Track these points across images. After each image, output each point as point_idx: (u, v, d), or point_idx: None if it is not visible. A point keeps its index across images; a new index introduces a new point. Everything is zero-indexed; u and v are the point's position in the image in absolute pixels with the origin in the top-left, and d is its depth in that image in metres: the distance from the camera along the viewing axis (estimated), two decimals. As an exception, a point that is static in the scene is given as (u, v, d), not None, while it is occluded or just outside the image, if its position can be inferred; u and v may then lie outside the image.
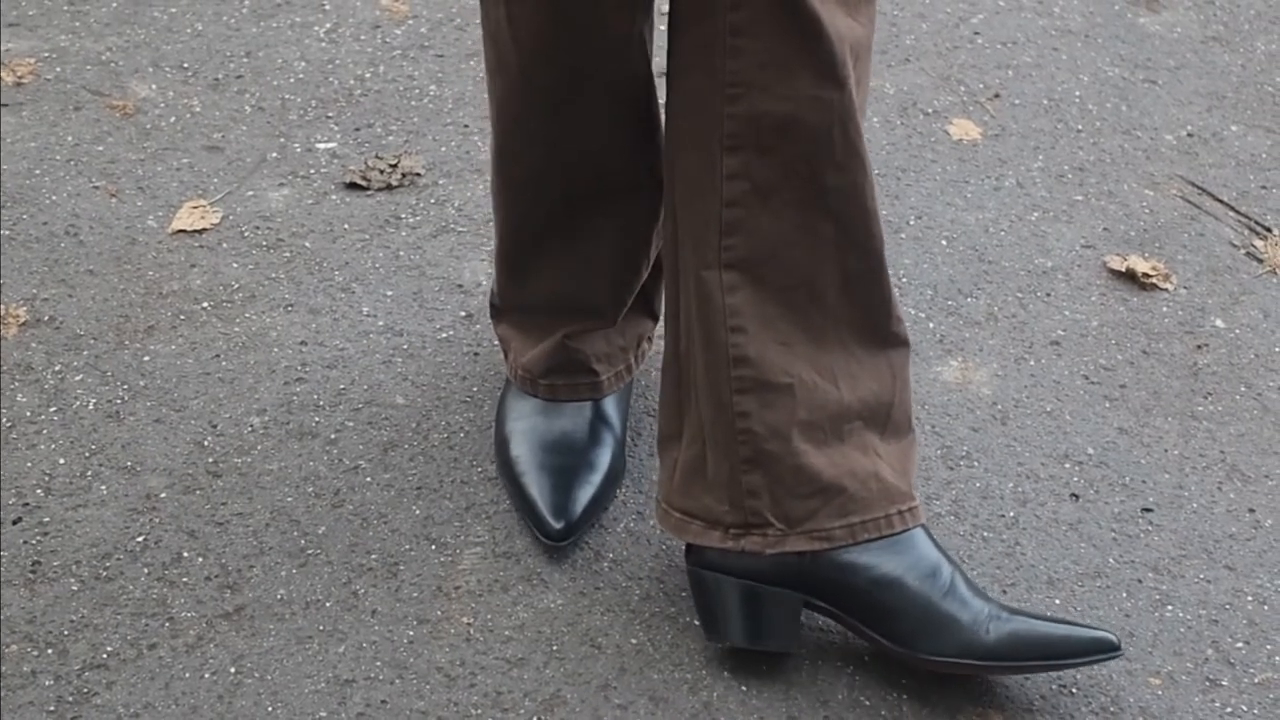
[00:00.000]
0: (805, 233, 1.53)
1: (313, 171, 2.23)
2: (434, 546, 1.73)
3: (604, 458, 1.76)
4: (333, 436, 1.85)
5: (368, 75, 2.43)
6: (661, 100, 1.64)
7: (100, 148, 2.25)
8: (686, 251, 1.57)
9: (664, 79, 1.58)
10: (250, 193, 2.19)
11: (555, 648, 1.64)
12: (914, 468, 1.64)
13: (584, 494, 1.73)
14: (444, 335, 1.98)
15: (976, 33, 2.60)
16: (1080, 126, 2.42)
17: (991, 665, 1.57)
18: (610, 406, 1.80)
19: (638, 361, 1.84)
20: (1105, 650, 1.55)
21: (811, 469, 1.57)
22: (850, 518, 1.57)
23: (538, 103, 1.66)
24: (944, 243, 2.17)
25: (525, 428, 1.77)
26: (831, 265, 1.54)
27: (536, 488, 1.73)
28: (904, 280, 2.10)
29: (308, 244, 2.11)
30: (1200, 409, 1.96)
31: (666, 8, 1.55)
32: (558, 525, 1.70)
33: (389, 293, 2.04)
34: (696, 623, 1.66)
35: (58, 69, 2.40)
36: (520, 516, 1.75)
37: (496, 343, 1.95)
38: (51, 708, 1.56)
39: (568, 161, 1.69)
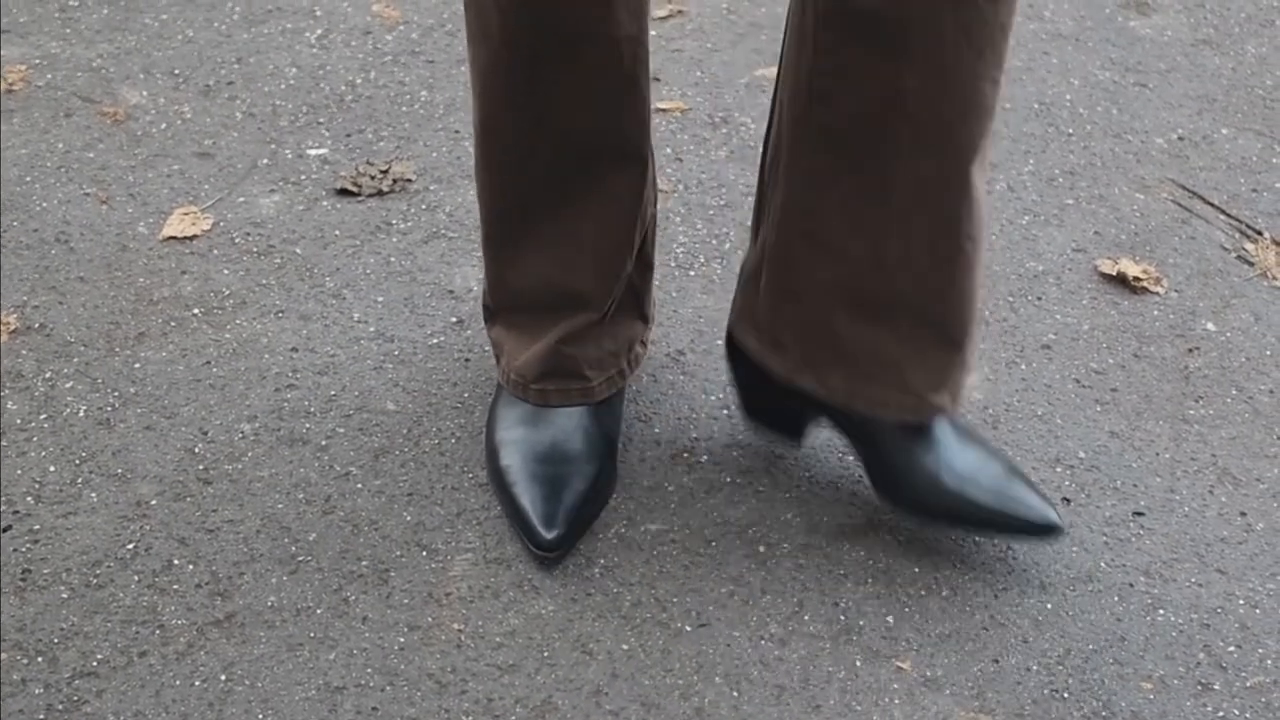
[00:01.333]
0: (878, 123, 1.58)
1: (304, 178, 2.23)
2: (425, 553, 1.73)
3: (595, 467, 1.76)
4: (323, 443, 1.85)
5: (359, 81, 2.43)
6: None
7: (91, 154, 2.25)
8: (785, 94, 1.65)
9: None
10: (241, 199, 2.19)
11: (546, 654, 1.64)
12: (954, 384, 1.72)
13: (575, 504, 1.73)
14: (435, 341, 1.98)
15: (967, 37, 2.60)
16: (1071, 130, 2.42)
17: (936, 522, 1.75)
18: (601, 414, 1.79)
19: (631, 366, 1.84)
20: (1045, 534, 1.72)
21: (834, 332, 1.69)
22: (854, 386, 1.71)
23: (521, 71, 1.63)
24: (935, 247, 2.17)
25: (516, 437, 1.77)
26: (903, 164, 1.59)
27: (527, 498, 1.73)
28: (895, 284, 2.10)
29: (299, 250, 2.11)
30: (1192, 412, 1.96)
31: None
32: (549, 536, 1.70)
33: (380, 299, 2.04)
34: (688, 628, 1.66)
35: (49, 76, 2.40)
36: (511, 526, 1.75)
37: (488, 348, 1.95)
38: (42, 716, 1.55)
39: (552, 134, 1.67)
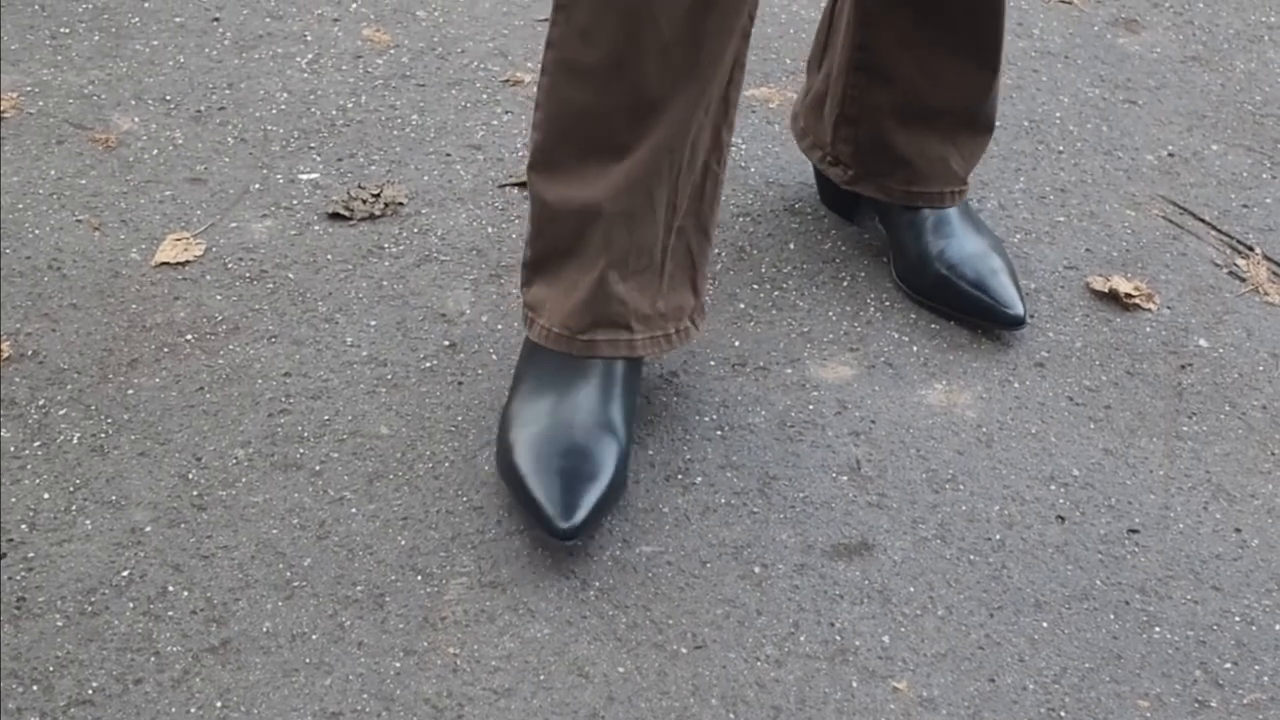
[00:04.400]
0: None
1: (295, 202, 2.23)
2: (420, 577, 1.73)
3: (609, 465, 1.75)
4: (317, 468, 1.84)
5: (350, 105, 2.43)
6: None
7: (83, 181, 2.25)
8: None
9: None
10: (233, 224, 2.19)
11: (542, 677, 1.63)
12: (980, 157, 2.11)
13: (591, 497, 1.72)
14: (428, 365, 1.98)
15: (957, 55, 2.60)
16: (1061, 147, 2.42)
17: (919, 300, 2.10)
18: (617, 416, 1.79)
19: (680, 338, 1.84)
20: (1008, 325, 2.05)
21: (891, 143, 2.06)
22: (911, 186, 2.08)
23: None
24: (927, 266, 2.17)
25: (532, 434, 1.76)
26: None
27: (543, 489, 1.72)
28: (886, 304, 2.10)
29: (291, 275, 2.11)
30: (1185, 429, 1.96)
31: None
32: (564, 525, 1.70)
33: (372, 323, 2.04)
34: (684, 650, 1.66)
35: (40, 103, 2.40)
36: (525, 516, 1.75)
37: (481, 371, 1.95)
38: (37, 745, 1.55)
39: (645, 48, 1.65)
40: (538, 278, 1.82)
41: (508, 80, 2.49)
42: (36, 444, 1.86)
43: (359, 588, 1.71)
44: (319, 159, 2.32)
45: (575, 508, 1.71)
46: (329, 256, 2.14)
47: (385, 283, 2.10)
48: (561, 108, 1.73)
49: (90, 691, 1.60)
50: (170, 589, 1.71)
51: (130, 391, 1.93)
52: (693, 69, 1.68)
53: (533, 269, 1.83)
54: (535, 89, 1.73)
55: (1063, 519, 1.83)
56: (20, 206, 2.20)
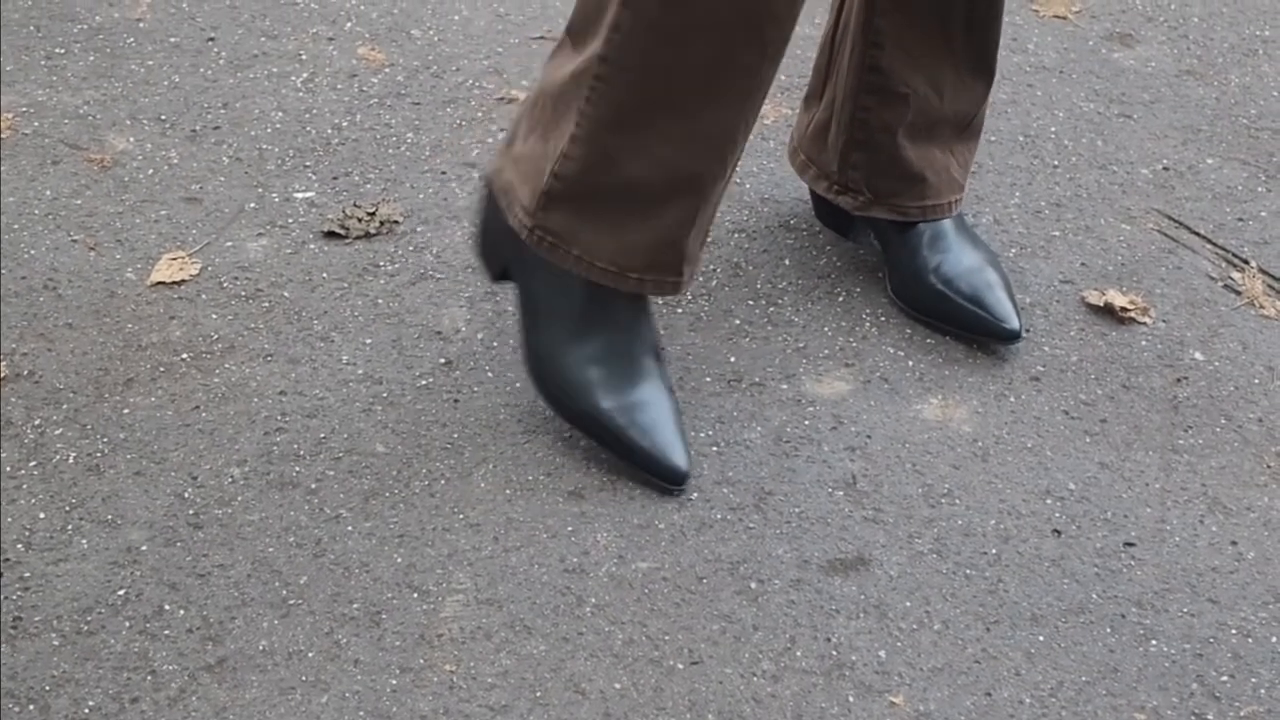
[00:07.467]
0: None
1: (291, 221, 2.24)
2: (416, 594, 1.73)
3: (666, 382, 1.88)
4: (313, 486, 1.84)
5: (345, 124, 2.43)
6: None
7: (78, 201, 2.25)
8: None
9: None
10: (229, 243, 2.19)
11: (539, 694, 1.63)
12: (972, 162, 2.13)
13: (682, 431, 1.85)
14: (423, 383, 1.98)
15: (951, 71, 2.61)
16: (1056, 162, 2.43)
17: (915, 314, 2.10)
18: (652, 338, 1.89)
19: (695, 276, 1.89)
20: (1004, 339, 2.04)
21: (905, 160, 2.05)
22: (925, 201, 2.08)
23: None
24: (922, 281, 2.18)
25: (599, 375, 1.83)
26: (961, 6, 1.96)
27: (647, 435, 1.83)
28: (882, 319, 2.10)
29: (286, 293, 2.11)
30: (1181, 442, 1.96)
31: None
32: (685, 466, 1.83)
33: (368, 341, 2.04)
34: (680, 666, 1.66)
35: (35, 123, 2.40)
36: (633, 464, 1.83)
37: (477, 388, 1.95)
38: (33, 764, 1.55)
39: (748, 20, 1.67)
40: (563, 206, 1.77)
41: (502, 98, 2.49)
42: (32, 464, 1.86)
43: (355, 605, 1.71)
44: (314, 178, 2.32)
45: (679, 444, 1.84)
46: (324, 275, 2.14)
47: (381, 301, 2.10)
48: (652, 59, 1.69)
49: (87, 711, 1.60)
50: (166, 608, 1.70)
51: (126, 411, 1.93)
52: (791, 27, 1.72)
53: (558, 198, 1.77)
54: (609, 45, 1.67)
55: (1059, 533, 1.83)
56: (16, 226, 2.20)
